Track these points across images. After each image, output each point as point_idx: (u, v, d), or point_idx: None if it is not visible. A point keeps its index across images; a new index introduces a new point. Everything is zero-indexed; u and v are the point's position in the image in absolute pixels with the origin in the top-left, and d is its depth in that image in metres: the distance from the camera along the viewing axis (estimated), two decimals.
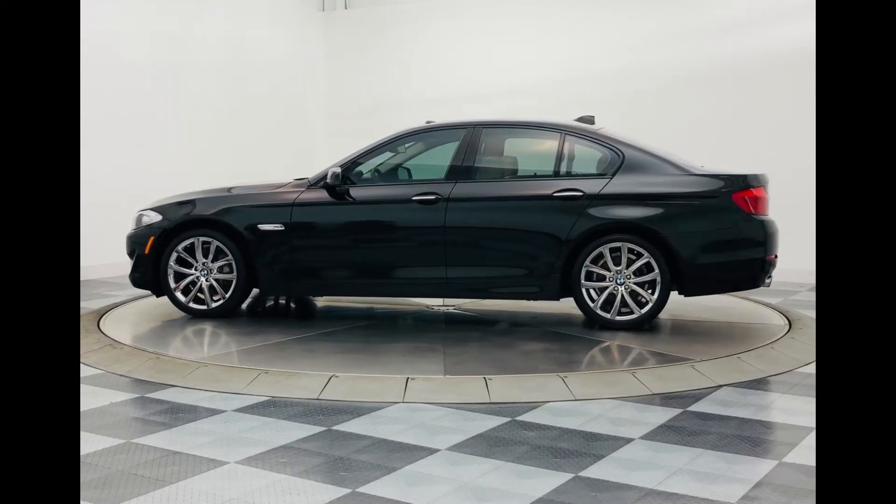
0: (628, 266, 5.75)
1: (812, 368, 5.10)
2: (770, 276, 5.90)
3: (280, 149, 11.43)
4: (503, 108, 10.05)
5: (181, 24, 10.13)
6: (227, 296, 6.27)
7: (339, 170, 6.06)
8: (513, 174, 6.26)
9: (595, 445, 3.68)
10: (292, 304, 7.25)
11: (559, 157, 6.03)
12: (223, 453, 3.59)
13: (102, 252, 9.09)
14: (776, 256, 5.89)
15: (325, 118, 12.30)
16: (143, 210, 6.57)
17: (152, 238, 6.31)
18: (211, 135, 10.51)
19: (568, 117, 6.49)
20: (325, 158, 9.93)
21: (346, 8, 12.34)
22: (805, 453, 3.58)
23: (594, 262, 5.79)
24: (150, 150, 9.71)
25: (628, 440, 3.75)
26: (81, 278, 8.39)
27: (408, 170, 6.54)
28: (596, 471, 3.37)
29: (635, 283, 5.77)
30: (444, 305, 7.00)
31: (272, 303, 7.25)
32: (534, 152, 6.27)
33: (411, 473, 3.35)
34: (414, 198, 6.00)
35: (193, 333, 6.03)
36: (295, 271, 6.18)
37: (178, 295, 6.35)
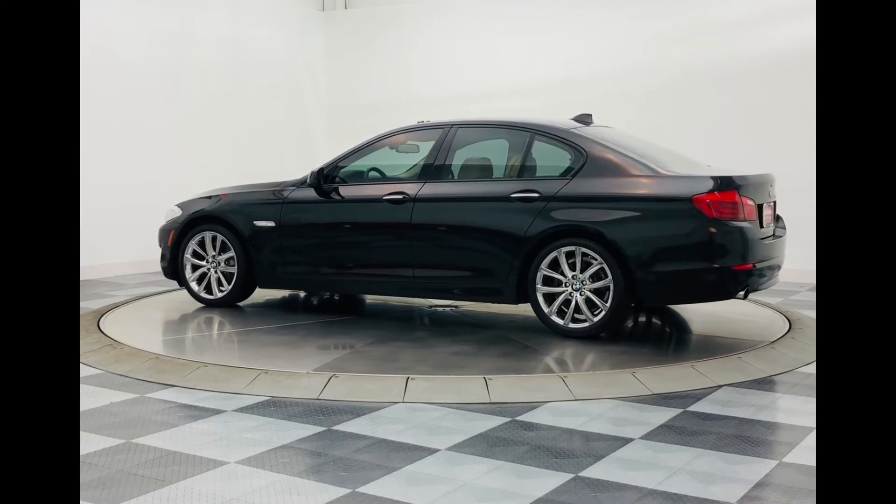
0: (583, 271, 5.48)
1: (812, 368, 5.10)
2: (747, 288, 5.35)
3: (280, 148, 11.44)
4: (503, 109, 10.06)
5: (181, 24, 10.14)
6: (230, 287, 6.74)
7: (316, 170, 6.37)
8: (481, 174, 6.17)
9: (595, 445, 3.68)
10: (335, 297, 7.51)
11: (525, 158, 5.91)
12: (223, 453, 3.59)
13: (102, 252, 9.09)
14: (756, 265, 5.35)
15: (325, 118, 12.30)
16: (173, 205, 7.17)
17: (172, 231, 6.95)
18: (211, 134, 10.52)
19: (565, 116, 6.47)
20: (325, 158, 9.93)
21: (346, 8, 12.34)
22: (805, 453, 3.58)
23: (552, 266, 5.57)
24: (149, 149, 9.72)
25: (628, 440, 3.75)
26: (81, 278, 8.39)
27: (380, 170, 6.59)
28: (596, 471, 3.37)
29: (590, 290, 5.47)
30: (445, 306, 6.99)
31: (319, 297, 7.50)
32: (503, 152, 6.15)
33: (411, 473, 3.35)
34: (384, 197, 6.12)
35: (194, 334, 6.03)
36: (283, 267, 6.54)
37: (193, 284, 6.89)
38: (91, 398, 4.45)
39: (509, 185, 5.79)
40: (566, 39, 10.39)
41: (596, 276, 5.46)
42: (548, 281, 5.59)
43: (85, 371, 5.00)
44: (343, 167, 6.48)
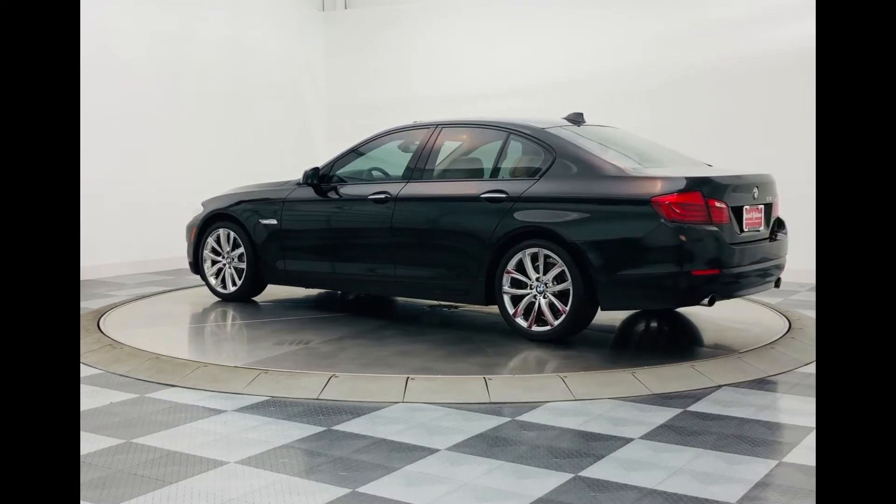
0: (546, 273, 5.36)
1: (812, 368, 5.10)
2: (713, 295, 5.09)
3: (280, 148, 11.44)
4: (503, 109, 10.06)
5: (181, 24, 10.14)
6: (240, 283, 7.04)
7: (309, 170, 6.53)
8: (458, 174, 6.18)
9: (595, 445, 3.68)
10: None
11: (499, 157, 5.85)
12: (223, 453, 3.59)
13: (102, 252, 9.09)
14: (723, 271, 5.10)
15: (325, 118, 12.30)
16: (199, 203, 7.44)
17: (195, 228, 7.25)
18: (211, 134, 10.52)
19: (557, 116, 6.43)
20: (325, 158, 9.92)
21: (346, 8, 12.35)
22: (805, 453, 3.58)
23: (519, 268, 5.46)
24: (150, 149, 9.72)
25: (628, 440, 3.75)
26: (81, 278, 8.39)
27: (383, 170, 6.62)
28: (596, 471, 3.37)
29: (553, 294, 5.36)
30: (445, 306, 6.99)
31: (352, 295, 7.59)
32: (481, 152, 6.14)
33: (411, 473, 3.35)
34: (369, 196, 6.19)
35: (194, 333, 6.03)
36: (284, 264, 6.71)
37: (210, 279, 7.21)
38: (91, 398, 4.45)
39: (481, 186, 5.76)
40: (566, 39, 10.39)
41: (559, 279, 5.34)
42: (515, 283, 5.50)
43: (85, 371, 5.00)
44: (340, 167, 6.59)
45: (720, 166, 6.10)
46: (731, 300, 6.27)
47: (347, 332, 5.94)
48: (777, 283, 5.81)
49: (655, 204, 5.02)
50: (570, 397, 4.42)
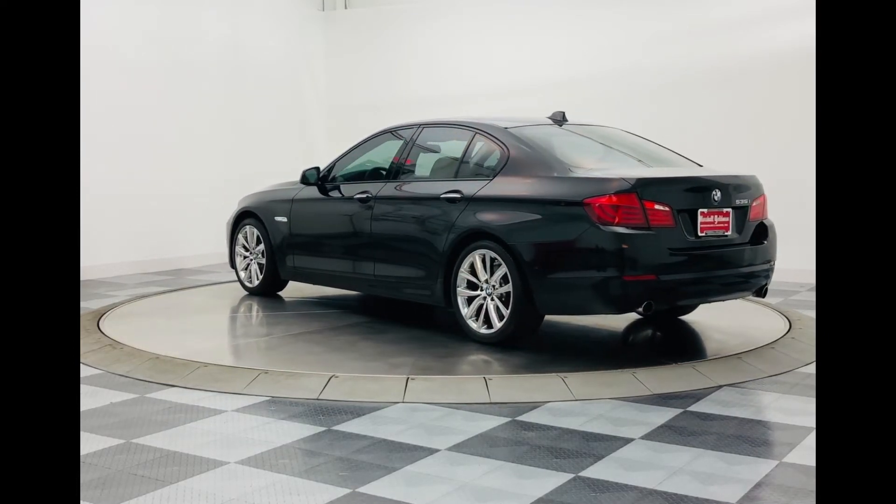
0: (493, 275, 5.29)
1: (812, 368, 5.10)
2: (649, 303, 4.86)
3: (280, 148, 11.43)
4: (503, 108, 10.06)
5: (181, 23, 10.14)
6: (261, 278, 7.34)
7: (307, 169, 6.70)
8: (430, 174, 6.14)
9: (595, 445, 3.68)
10: None
11: (464, 157, 5.82)
12: (223, 453, 3.59)
13: (102, 252, 9.09)
14: (660, 277, 4.85)
15: (325, 118, 12.30)
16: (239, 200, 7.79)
17: (230, 225, 7.64)
18: (211, 134, 10.51)
19: (539, 115, 6.38)
20: (325, 158, 9.93)
21: (346, 8, 12.34)
22: (805, 453, 3.58)
23: (473, 269, 5.40)
24: (149, 149, 9.72)
25: (628, 440, 3.75)
26: (81, 278, 8.39)
27: (380, 169, 6.63)
28: (596, 471, 3.37)
29: (498, 296, 5.28)
30: None
31: None
32: (452, 151, 6.10)
33: (411, 473, 3.35)
34: (355, 196, 6.30)
35: (195, 333, 6.03)
36: (293, 260, 6.95)
37: (241, 273, 7.57)
38: (91, 398, 4.45)
39: (443, 186, 5.72)
40: (566, 39, 10.39)
41: (505, 281, 5.23)
42: (470, 285, 5.46)
43: (85, 371, 5.00)
44: (342, 167, 6.71)
45: (711, 167, 5.99)
46: (731, 302, 6.25)
47: (348, 331, 5.94)
48: (761, 292, 5.46)
49: (587, 206, 4.85)
50: (570, 397, 4.42)
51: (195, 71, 10.32)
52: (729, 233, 5.21)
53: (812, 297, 7.78)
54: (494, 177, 5.46)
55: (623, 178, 4.91)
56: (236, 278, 7.72)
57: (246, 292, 7.57)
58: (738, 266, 5.27)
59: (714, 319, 6.40)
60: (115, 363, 5.14)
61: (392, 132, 6.57)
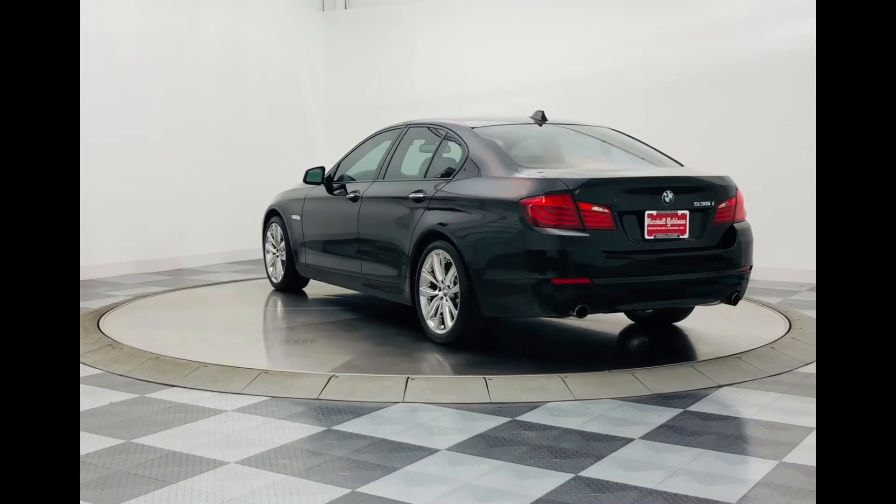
0: (447, 275, 5.30)
1: (812, 368, 5.10)
2: (582, 307, 4.72)
3: (280, 149, 11.43)
4: (503, 109, 10.05)
5: (181, 24, 10.13)
6: (282, 274, 7.61)
7: (310, 169, 6.87)
8: (407, 174, 6.17)
9: (595, 445, 3.68)
10: None
11: (434, 157, 5.85)
12: (223, 453, 3.59)
13: (102, 252, 9.09)
14: (595, 280, 4.72)
15: (326, 118, 12.30)
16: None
17: (263, 223, 8.01)
18: (211, 134, 10.51)
19: (524, 114, 6.34)
20: (325, 158, 9.94)
21: (346, 8, 12.34)
22: (805, 453, 3.58)
23: (432, 269, 5.40)
24: (149, 149, 9.71)
25: (628, 440, 3.75)
26: (81, 278, 8.39)
27: (372, 169, 6.68)
28: (596, 471, 3.37)
29: (450, 297, 5.27)
30: None
31: None
32: (427, 151, 6.14)
33: (411, 473, 3.35)
34: (347, 196, 6.46)
35: (194, 333, 6.02)
36: (305, 257, 7.17)
37: (269, 269, 7.88)
38: (91, 398, 4.45)
39: (411, 186, 5.74)
40: (566, 39, 10.38)
41: (456, 283, 5.20)
42: (432, 285, 5.45)
43: (85, 371, 5.00)
44: (347, 166, 6.87)
45: (692, 167, 5.79)
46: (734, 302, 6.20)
47: (348, 331, 5.94)
48: (732, 299, 5.18)
49: (522, 207, 4.79)
50: (570, 397, 4.42)
51: (195, 71, 10.31)
52: (685, 236, 5.00)
53: (812, 297, 7.78)
54: (453, 177, 5.48)
55: (559, 179, 4.83)
56: (265, 275, 8.06)
57: (272, 288, 7.83)
58: (695, 271, 5.03)
59: (714, 320, 6.39)
60: (115, 363, 5.14)
61: (387, 132, 6.66)
